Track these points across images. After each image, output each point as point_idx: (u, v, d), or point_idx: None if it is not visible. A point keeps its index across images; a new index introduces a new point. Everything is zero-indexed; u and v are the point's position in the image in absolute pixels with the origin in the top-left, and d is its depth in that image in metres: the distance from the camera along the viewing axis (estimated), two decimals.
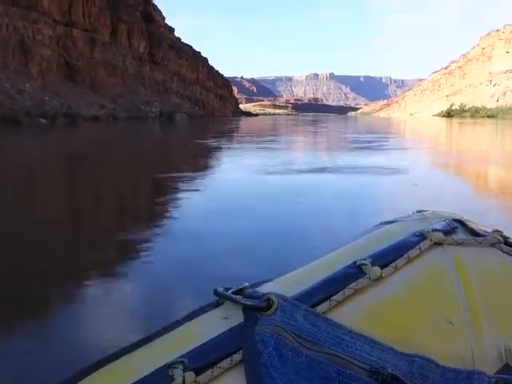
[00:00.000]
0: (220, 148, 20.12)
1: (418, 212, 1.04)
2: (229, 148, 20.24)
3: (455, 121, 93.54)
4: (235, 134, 30.60)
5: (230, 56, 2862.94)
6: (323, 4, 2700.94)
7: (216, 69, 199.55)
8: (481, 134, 36.16)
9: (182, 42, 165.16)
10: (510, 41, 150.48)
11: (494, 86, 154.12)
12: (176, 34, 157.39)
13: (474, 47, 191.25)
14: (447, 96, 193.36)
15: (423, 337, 0.76)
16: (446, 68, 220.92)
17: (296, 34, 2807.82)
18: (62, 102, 74.81)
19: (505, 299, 0.81)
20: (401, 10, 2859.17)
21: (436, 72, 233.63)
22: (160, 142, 25.99)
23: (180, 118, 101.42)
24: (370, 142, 23.23)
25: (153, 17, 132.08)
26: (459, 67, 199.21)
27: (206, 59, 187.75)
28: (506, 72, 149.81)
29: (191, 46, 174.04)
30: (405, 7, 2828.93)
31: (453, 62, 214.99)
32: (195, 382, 0.68)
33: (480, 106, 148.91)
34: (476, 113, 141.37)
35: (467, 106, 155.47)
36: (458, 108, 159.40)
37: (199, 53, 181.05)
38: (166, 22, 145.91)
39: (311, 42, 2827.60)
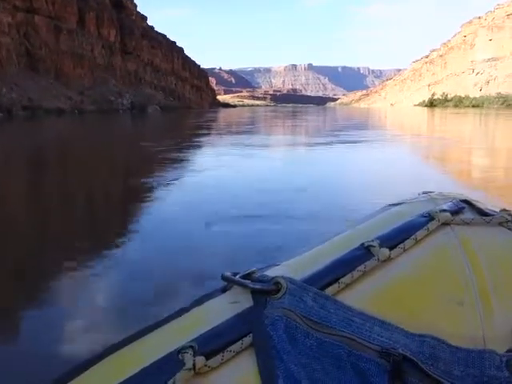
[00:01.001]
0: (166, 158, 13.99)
1: (424, 193, 1.04)
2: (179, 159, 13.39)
3: (438, 111, 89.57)
4: (202, 133, 25.28)
5: (208, 47, 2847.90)
6: None
7: (192, 59, 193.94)
8: (480, 129, 31.61)
9: (156, 31, 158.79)
10: (492, 28, 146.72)
11: (477, 74, 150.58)
12: (154, 24, 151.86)
13: (455, 35, 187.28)
14: (428, 85, 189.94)
15: (433, 317, 0.76)
16: (426, 57, 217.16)
17: (274, 24, 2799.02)
18: (21, 93, 68.98)
19: None
20: (378, 0, 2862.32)
21: (416, 61, 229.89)
22: (101, 143, 20.47)
23: (153, 111, 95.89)
24: (355, 142, 18.40)
25: (123, 4, 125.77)
26: (440, 56, 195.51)
27: (181, 49, 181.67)
28: (488, 60, 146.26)
29: (165, 36, 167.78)
30: None
31: (433, 50, 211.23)
32: (206, 366, 0.68)
33: (463, 96, 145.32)
34: (460, 102, 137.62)
35: (450, 96, 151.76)
36: (440, 97, 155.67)
37: (174, 42, 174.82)
38: (138, 9, 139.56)
39: (289, 32, 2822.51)
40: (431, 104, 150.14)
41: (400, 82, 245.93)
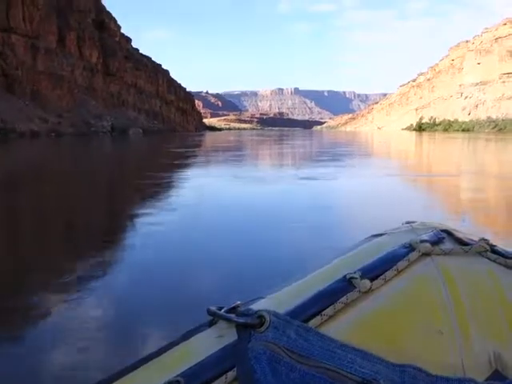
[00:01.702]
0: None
1: (406, 223, 1.05)
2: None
3: (428, 135, 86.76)
4: (180, 163, 21.54)
5: (195, 71, 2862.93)
6: (287, 19, 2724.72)
7: (178, 82, 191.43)
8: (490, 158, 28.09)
9: (141, 54, 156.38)
10: (480, 52, 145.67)
11: (466, 98, 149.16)
12: (139, 46, 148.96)
13: (442, 59, 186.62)
14: (416, 109, 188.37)
15: (414, 347, 0.77)
16: (413, 81, 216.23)
17: (261, 49, 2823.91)
18: None
19: (492, 306, 0.82)
20: (364, 27, 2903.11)
21: (404, 85, 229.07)
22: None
23: (134, 133, 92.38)
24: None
25: (106, 25, 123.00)
26: (428, 79, 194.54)
27: (166, 72, 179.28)
28: (477, 84, 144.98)
29: (150, 58, 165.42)
30: (368, 25, 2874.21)
31: (421, 74, 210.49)
32: None
33: (452, 120, 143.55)
34: (449, 126, 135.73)
35: (438, 120, 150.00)
36: (428, 121, 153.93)
37: (159, 65, 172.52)
38: (122, 31, 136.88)
39: (276, 57, 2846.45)
40: (420, 128, 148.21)
41: (387, 105, 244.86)
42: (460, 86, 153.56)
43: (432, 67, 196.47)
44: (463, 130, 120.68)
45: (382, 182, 12.48)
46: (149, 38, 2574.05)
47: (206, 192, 10.62)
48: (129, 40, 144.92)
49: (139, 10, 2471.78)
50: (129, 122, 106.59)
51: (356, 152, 31.29)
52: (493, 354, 0.77)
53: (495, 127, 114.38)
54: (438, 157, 26.12)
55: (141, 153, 31.49)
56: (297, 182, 12.22)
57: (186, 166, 18.25)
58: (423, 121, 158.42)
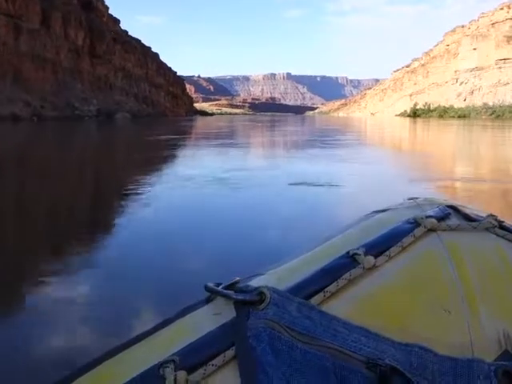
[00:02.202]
0: None
1: (409, 199, 1.03)
2: None
3: (424, 121, 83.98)
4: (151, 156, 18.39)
5: (187, 55, 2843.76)
6: (280, 4, 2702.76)
7: (169, 65, 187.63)
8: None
9: (130, 36, 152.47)
10: (477, 37, 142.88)
11: (461, 84, 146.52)
12: (131, 32, 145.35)
13: (437, 44, 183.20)
14: (410, 95, 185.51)
15: (420, 326, 0.75)
16: (407, 66, 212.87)
17: (253, 33, 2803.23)
18: None
19: (501, 283, 0.80)
20: (356, 11, 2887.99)
21: (397, 70, 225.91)
22: None
23: (121, 118, 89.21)
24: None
25: (93, 5, 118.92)
26: (422, 65, 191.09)
27: (156, 55, 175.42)
28: (472, 70, 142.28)
29: (140, 40, 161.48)
30: (360, 9, 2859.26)
31: (415, 59, 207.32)
32: (187, 380, 0.66)
33: (447, 106, 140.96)
34: (444, 112, 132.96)
35: (433, 105, 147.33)
36: (423, 107, 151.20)
37: (149, 48, 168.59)
38: (110, 12, 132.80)
39: (268, 41, 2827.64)
40: (414, 114, 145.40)
41: (380, 91, 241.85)
42: (455, 71, 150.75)
43: (426, 53, 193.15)
44: (459, 117, 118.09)
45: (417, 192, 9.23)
46: (141, 22, 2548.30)
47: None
48: (117, 21, 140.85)
49: None
50: (116, 106, 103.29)
51: (360, 141, 28.72)
52: (502, 334, 0.75)
53: (493, 114, 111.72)
54: (464, 152, 22.21)
55: (118, 143, 28.55)
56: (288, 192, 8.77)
57: (164, 162, 15.38)
58: (417, 107, 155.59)
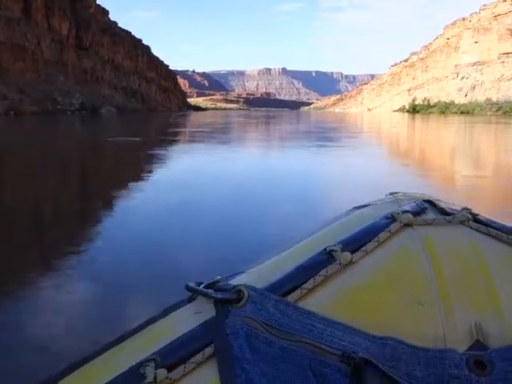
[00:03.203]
0: None
1: (390, 194, 1.04)
2: None
3: (425, 118, 79.05)
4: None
5: (182, 49, 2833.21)
6: (275, 0, 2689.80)
7: (160, 59, 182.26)
8: None
9: (120, 27, 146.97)
10: (478, 30, 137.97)
11: (462, 79, 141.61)
12: (124, 26, 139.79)
13: (437, 37, 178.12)
14: (409, 90, 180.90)
15: (394, 319, 0.76)
16: (405, 61, 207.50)
17: (248, 28, 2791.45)
18: None
19: (474, 276, 0.81)
20: (350, 7, 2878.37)
21: (395, 65, 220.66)
22: None
23: (107, 113, 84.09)
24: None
25: None
26: (421, 59, 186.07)
27: (147, 48, 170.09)
28: (474, 64, 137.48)
29: (130, 33, 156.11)
30: (354, 5, 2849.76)
31: (413, 53, 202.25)
32: (167, 378, 0.68)
33: (448, 101, 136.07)
34: (446, 108, 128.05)
35: (432, 101, 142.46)
36: (422, 103, 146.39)
37: (140, 40, 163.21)
38: (98, 2, 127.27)
39: (263, 36, 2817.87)
40: (413, 110, 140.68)
41: (378, 86, 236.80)
42: (456, 66, 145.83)
43: (426, 46, 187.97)
44: (461, 113, 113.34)
45: None
46: (135, 17, 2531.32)
47: None
48: (105, 12, 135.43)
49: None
50: (102, 99, 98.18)
51: (371, 143, 24.03)
52: (474, 324, 0.76)
53: (499, 110, 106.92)
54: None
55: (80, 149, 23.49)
56: None
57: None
58: (416, 102, 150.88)
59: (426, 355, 0.72)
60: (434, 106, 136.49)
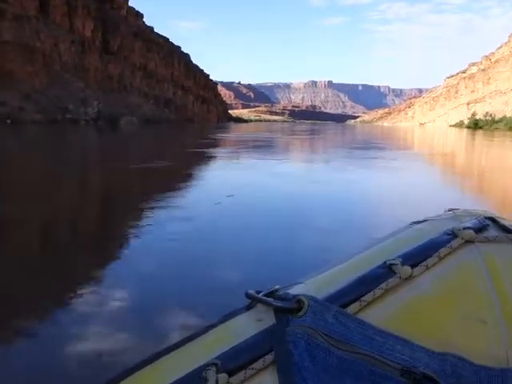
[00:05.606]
0: None
1: (449, 211, 1.03)
2: None
3: (496, 135, 65.12)
4: None
5: (228, 62, 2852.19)
6: (322, 12, 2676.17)
7: (200, 68, 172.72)
8: None
9: (156, 33, 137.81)
10: None
11: None
12: (170, 37, 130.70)
13: (500, 46, 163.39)
14: (467, 104, 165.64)
15: (456, 336, 0.75)
16: (463, 72, 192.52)
17: (295, 41, 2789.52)
18: None
19: None
20: (396, 20, 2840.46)
21: (451, 77, 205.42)
22: None
23: (126, 124, 73.62)
24: None
25: None
26: (482, 70, 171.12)
27: (186, 55, 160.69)
28: None
29: (168, 39, 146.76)
30: (401, 18, 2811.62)
31: (472, 64, 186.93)
32: (228, 383, 0.69)
33: None
34: None
35: (497, 116, 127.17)
36: (483, 118, 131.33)
37: (178, 47, 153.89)
38: (129, 4, 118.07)
39: (310, 49, 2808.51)
40: (475, 125, 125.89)
41: (431, 99, 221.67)
42: None
43: (487, 56, 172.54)
44: None
45: None
46: (180, 28, 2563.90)
47: None
48: (139, 15, 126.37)
49: (172, 2, 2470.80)
50: (127, 109, 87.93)
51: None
52: None
53: None
54: None
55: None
56: None
57: None
58: (477, 117, 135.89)
59: (488, 374, 0.71)
60: (500, 121, 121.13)
